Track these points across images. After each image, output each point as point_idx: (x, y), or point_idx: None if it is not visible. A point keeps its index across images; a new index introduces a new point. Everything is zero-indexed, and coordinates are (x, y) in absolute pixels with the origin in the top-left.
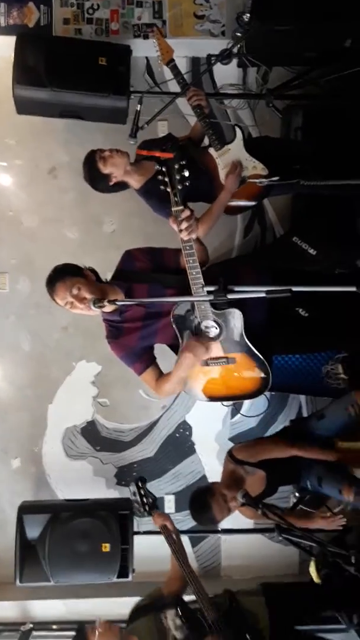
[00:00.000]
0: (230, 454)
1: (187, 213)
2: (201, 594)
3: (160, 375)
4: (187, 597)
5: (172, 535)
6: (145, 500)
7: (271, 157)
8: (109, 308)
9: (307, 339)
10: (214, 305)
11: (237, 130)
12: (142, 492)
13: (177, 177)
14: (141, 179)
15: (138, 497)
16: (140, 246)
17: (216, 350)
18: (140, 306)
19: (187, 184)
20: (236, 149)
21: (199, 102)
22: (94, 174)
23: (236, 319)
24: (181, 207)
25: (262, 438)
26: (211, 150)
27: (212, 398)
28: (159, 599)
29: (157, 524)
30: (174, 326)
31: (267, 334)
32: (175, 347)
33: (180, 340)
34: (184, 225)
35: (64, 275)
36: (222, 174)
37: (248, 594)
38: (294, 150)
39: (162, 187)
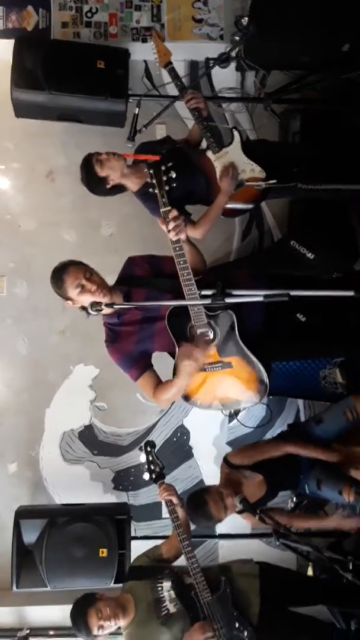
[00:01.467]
0: (225, 460)
1: (174, 213)
2: (197, 575)
3: (158, 383)
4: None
5: (176, 510)
6: (152, 467)
7: (269, 160)
8: (106, 312)
9: (305, 345)
10: (207, 307)
11: (235, 133)
12: (150, 457)
13: (164, 178)
14: (139, 181)
15: (146, 463)
16: (138, 249)
17: (212, 354)
18: (138, 310)
19: (174, 185)
20: (234, 152)
21: (197, 105)
22: (91, 177)
23: (229, 320)
24: (169, 208)
25: (256, 442)
26: (209, 153)
27: (210, 406)
28: (157, 561)
29: (162, 497)
30: (168, 329)
31: (264, 340)
32: (174, 354)
33: (175, 345)
34: (172, 225)
35: (77, 262)
36: (218, 176)
37: (244, 575)
38: (291, 153)
39: (150, 190)
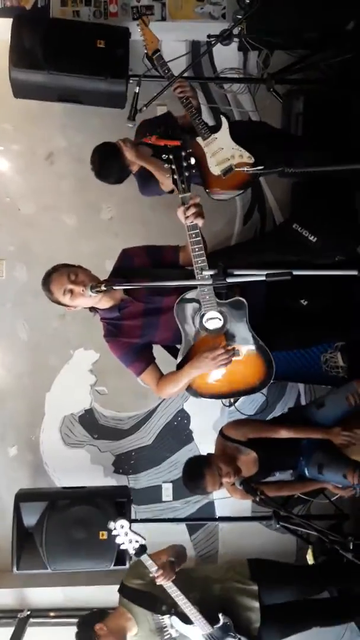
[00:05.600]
0: (221, 432)
1: (196, 199)
2: (194, 614)
3: (160, 376)
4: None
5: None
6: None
7: (256, 140)
8: (106, 302)
9: (307, 333)
10: (218, 295)
11: (223, 119)
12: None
13: (184, 164)
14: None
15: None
16: (138, 233)
17: (221, 342)
18: (139, 302)
19: (194, 171)
20: (222, 138)
21: (184, 94)
22: (117, 165)
23: (240, 307)
24: (189, 194)
25: (254, 419)
26: (199, 139)
27: (214, 395)
28: (152, 585)
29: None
30: (176, 318)
31: (266, 329)
32: (172, 349)
33: (183, 334)
34: (192, 210)
35: (59, 267)
36: (210, 162)
37: (243, 595)
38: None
39: (167, 176)
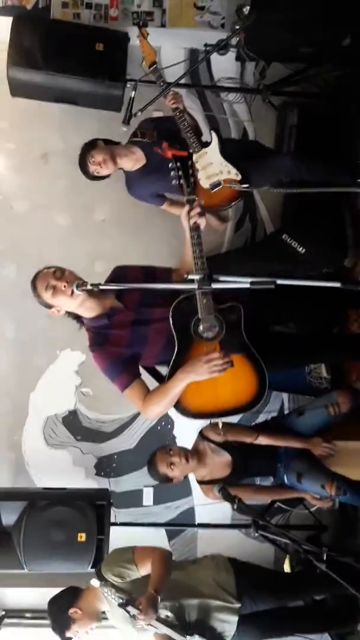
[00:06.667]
0: (200, 432)
1: (201, 201)
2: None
3: (147, 393)
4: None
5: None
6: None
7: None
8: (92, 310)
9: (292, 358)
10: (216, 300)
11: (213, 135)
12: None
13: (190, 171)
14: (136, 164)
15: None
16: (130, 235)
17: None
18: (130, 311)
19: (195, 179)
20: (212, 153)
21: (176, 105)
22: (87, 170)
23: (236, 314)
24: (194, 196)
25: (234, 423)
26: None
27: (201, 414)
28: (132, 590)
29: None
30: (171, 323)
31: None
32: (157, 374)
33: (176, 340)
34: (197, 210)
35: (49, 267)
36: (199, 175)
37: (225, 610)
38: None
39: (174, 182)
